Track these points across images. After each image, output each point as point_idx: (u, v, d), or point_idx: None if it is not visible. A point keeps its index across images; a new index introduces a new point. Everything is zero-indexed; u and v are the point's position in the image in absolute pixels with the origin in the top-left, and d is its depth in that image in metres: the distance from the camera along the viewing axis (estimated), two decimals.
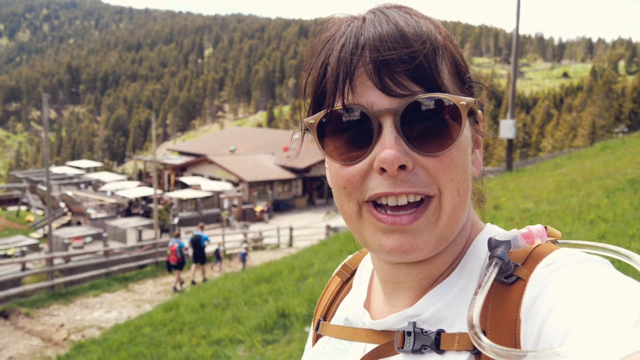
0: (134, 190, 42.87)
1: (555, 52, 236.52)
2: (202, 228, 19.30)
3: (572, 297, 0.62)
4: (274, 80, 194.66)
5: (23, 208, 49.25)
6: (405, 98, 0.69)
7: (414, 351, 0.75)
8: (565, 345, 0.56)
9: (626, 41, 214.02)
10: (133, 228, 32.30)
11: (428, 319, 0.77)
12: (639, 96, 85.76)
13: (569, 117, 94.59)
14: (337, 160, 0.74)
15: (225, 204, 40.38)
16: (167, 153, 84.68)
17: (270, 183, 45.60)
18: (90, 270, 17.88)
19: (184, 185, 45.56)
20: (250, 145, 58.04)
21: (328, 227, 28.46)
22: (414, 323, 0.77)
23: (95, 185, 52.19)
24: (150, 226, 32.49)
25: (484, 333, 0.65)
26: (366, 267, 0.97)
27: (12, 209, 49.83)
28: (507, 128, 18.19)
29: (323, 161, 0.83)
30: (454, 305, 0.76)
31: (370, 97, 0.70)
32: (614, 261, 0.74)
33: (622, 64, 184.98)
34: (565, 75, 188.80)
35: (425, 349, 0.75)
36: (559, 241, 0.80)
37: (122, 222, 35.26)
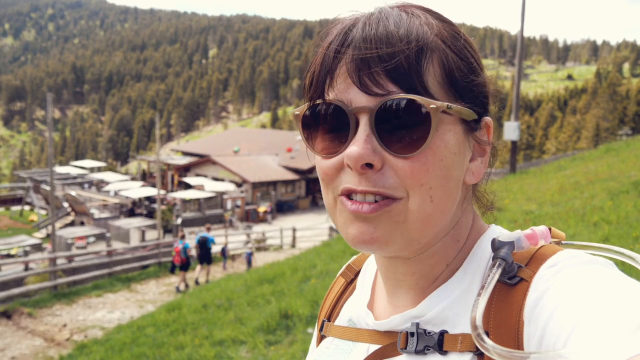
0: (137, 191, 42.99)
1: (559, 54, 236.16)
2: (208, 229, 19.35)
3: (575, 298, 0.62)
4: (278, 81, 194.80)
5: (26, 208, 49.41)
6: (381, 97, 0.69)
7: (417, 352, 0.76)
8: (569, 347, 0.56)
9: (631, 44, 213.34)
10: (136, 228, 32.37)
11: (431, 319, 0.77)
12: None
13: (573, 120, 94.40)
14: (317, 153, 0.77)
15: (229, 205, 40.41)
16: (170, 153, 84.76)
17: (274, 184, 45.62)
18: (93, 271, 17.90)
19: (188, 186, 45.64)
20: (253, 146, 58.09)
21: (331, 228, 28.44)
22: (417, 324, 0.77)
23: (99, 185, 52.30)
24: (153, 226, 32.56)
25: (487, 334, 0.66)
26: (370, 268, 0.97)
27: (16, 208, 49.98)
28: (511, 130, 18.17)
29: None
30: (457, 306, 0.76)
31: (350, 94, 0.71)
32: (618, 263, 0.74)
33: (626, 66, 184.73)
34: (570, 77, 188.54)
35: (428, 349, 0.75)
36: (563, 242, 0.80)
37: (125, 223, 35.33)
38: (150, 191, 41.31)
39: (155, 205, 34.12)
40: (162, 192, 37.65)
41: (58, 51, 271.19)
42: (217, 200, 40.81)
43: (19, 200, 51.50)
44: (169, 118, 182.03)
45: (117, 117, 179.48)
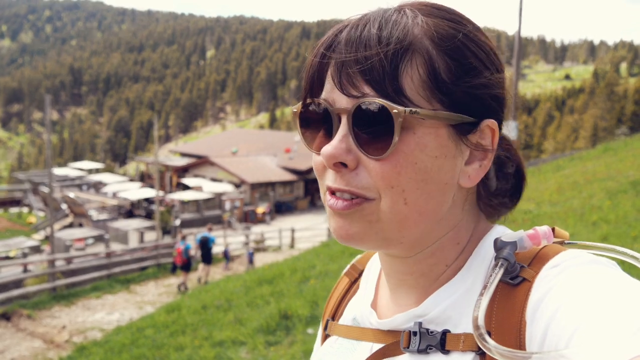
0: (135, 192, 42.98)
1: (557, 54, 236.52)
2: (210, 230, 19.40)
3: (578, 298, 0.62)
4: (275, 82, 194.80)
5: (25, 210, 49.35)
6: (356, 99, 0.71)
7: (420, 351, 0.76)
8: (571, 347, 0.56)
9: (628, 43, 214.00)
10: (135, 230, 32.37)
11: (434, 318, 0.77)
12: None
13: (571, 119, 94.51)
14: (310, 148, 0.80)
15: (227, 206, 40.38)
16: (169, 154, 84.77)
17: (272, 185, 45.61)
18: (92, 272, 17.88)
19: (186, 187, 45.61)
20: (252, 147, 58.09)
21: (330, 229, 28.44)
22: (420, 323, 0.78)
23: (97, 186, 52.26)
24: (152, 228, 32.54)
25: (489, 334, 0.66)
26: (374, 267, 0.98)
27: (14, 210, 49.93)
28: (509, 130, 18.20)
29: None
30: (460, 306, 0.76)
31: (334, 94, 0.73)
32: (621, 263, 0.73)
33: (624, 66, 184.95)
34: (567, 77, 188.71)
35: (430, 349, 0.75)
36: (566, 242, 0.79)
37: (124, 224, 35.32)
38: (149, 192, 41.28)
39: (154, 207, 34.09)
40: (161, 193, 37.64)
41: (55, 53, 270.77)
42: (216, 201, 40.81)
43: (17, 202, 51.47)
44: (167, 119, 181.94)
45: (115, 118, 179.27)
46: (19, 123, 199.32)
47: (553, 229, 0.79)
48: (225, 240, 24.68)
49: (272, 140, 60.46)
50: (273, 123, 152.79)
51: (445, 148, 0.73)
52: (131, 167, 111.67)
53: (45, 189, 43.02)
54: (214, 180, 46.89)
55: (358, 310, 0.93)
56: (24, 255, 26.86)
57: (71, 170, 63.75)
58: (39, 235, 37.37)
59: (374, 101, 0.69)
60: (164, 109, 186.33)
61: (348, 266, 1.06)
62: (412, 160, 0.71)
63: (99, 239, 30.95)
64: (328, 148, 0.72)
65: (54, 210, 22.37)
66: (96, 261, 19.09)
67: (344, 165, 0.73)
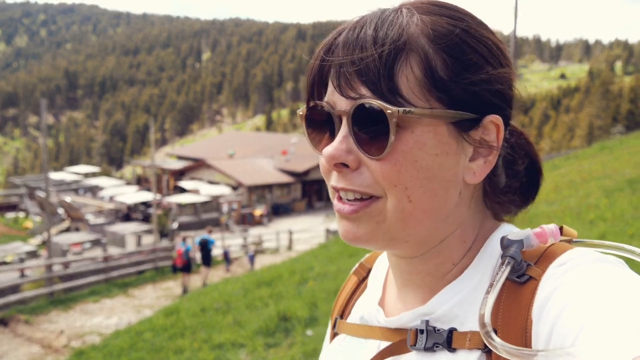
0: (132, 196, 42.84)
1: (552, 53, 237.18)
2: (210, 232, 19.46)
3: (584, 297, 0.62)
4: (272, 84, 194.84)
5: (21, 215, 49.18)
6: (354, 101, 0.71)
7: (426, 349, 0.77)
8: (577, 345, 0.56)
9: (623, 42, 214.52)
10: (132, 233, 32.25)
11: (441, 317, 0.77)
12: (636, 97, 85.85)
13: (567, 118, 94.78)
14: (316, 150, 0.81)
15: (225, 208, 40.34)
16: (165, 158, 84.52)
17: (269, 187, 45.59)
18: (89, 276, 17.83)
19: (183, 190, 45.54)
20: (248, 149, 58.06)
21: (328, 230, 28.46)
22: (427, 321, 0.78)
23: (94, 190, 52.12)
24: (149, 231, 32.46)
25: (495, 332, 0.66)
26: (381, 266, 0.98)
27: (11, 215, 49.74)
28: None
29: None
30: (467, 304, 0.76)
31: (335, 96, 0.74)
32: (628, 261, 0.73)
33: (619, 64, 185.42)
34: (563, 76, 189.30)
35: (437, 347, 0.76)
36: (573, 240, 0.79)
37: (121, 228, 35.21)
38: (146, 196, 41.19)
39: (151, 210, 34.02)
40: (158, 196, 37.56)
41: (51, 57, 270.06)
42: (213, 204, 40.74)
43: (13, 207, 51.26)
44: (163, 122, 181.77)
45: (111, 122, 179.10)
46: (14, 127, 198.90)
47: (561, 228, 0.79)
48: (224, 242, 24.62)
49: (269, 142, 60.45)
50: (269, 125, 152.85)
51: (445, 145, 0.73)
52: (128, 170, 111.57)
53: (41, 194, 42.85)
54: (211, 183, 46.84)
55: (366, 308, 0.93)
56: (21, 260, 26.73)
57: (67, 174, 63.44)
58: (36, 240, 37.21)
59: (370, 102, 0.70)
60: (160, 112, 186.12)
61: (356, 265, 1.07)
62: (412, 158, 0.71)
63: (96, 243, 30.81)
64: (328, 149, 0.73)
65: (50, 215, 22.33)
66: (94, 265, 19.03)
67: (345, 165, 0.74)
